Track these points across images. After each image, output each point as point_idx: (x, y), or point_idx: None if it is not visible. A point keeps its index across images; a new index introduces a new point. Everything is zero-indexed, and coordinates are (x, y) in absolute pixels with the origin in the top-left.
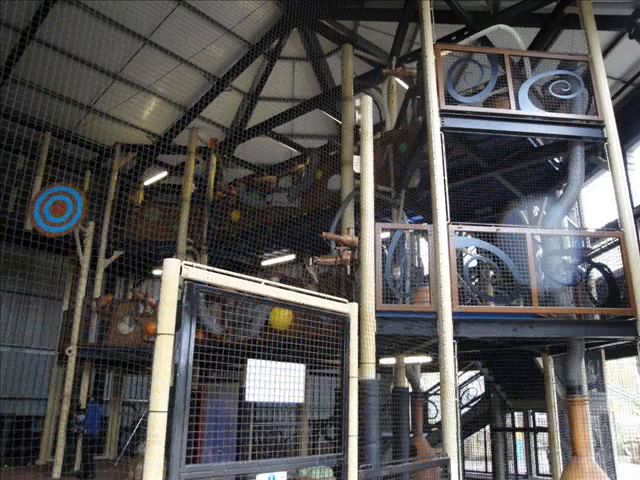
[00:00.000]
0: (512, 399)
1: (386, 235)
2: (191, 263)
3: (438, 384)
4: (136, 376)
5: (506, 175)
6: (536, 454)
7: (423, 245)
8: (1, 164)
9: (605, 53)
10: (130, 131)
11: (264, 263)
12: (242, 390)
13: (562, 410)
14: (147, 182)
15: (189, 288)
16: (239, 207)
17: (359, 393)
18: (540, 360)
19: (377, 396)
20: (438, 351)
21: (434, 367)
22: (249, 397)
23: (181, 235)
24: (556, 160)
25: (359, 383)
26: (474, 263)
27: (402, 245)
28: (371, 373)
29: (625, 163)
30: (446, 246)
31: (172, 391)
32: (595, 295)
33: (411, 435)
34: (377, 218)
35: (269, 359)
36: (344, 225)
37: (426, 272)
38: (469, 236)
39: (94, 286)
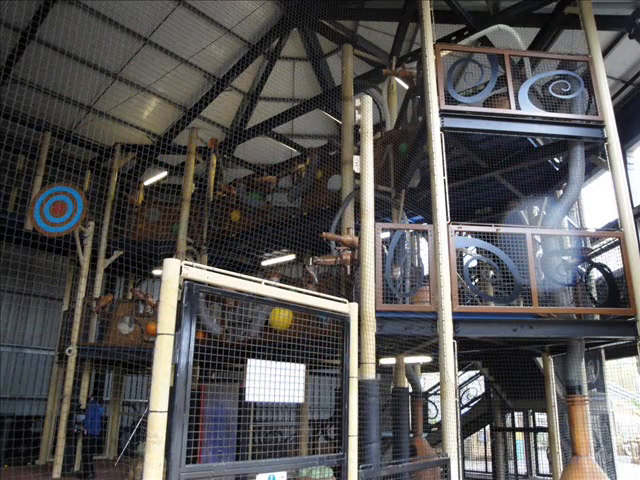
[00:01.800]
0: (512, 399)
1: (386, 235)
2: (191, 263)
3: (438, 384)
4: (136, 376)
5: (506, 175)
6: (536, 454)
7: (423, 245)
8: (1, 164)
9: (605, 53)
10: (130, 131)
11: (264, 263)
12: (242, 390)
13: (562, 410)
14: (147, 182)
15: (189, 288)
16: (239, 207)
17: (359, 393)
18: (540, 360)
19: (377, 396)
20: (438, 351)
21: (434, 367)
22: (249, 397)
23: (181, 235)
24: (556, 160)
25: (359, 383)
26: (474, 263)
27: (402, 245)
28: (371, 373)
29: (625, 163)
30: (446, 246)
31: (172, 391)
32: (595, 295)
33: (411, 435)
34: (377, 218)
35: (269, 359)
36: (344, 225)
37: (426, 272)
38: (469, 236)
39: (94, 286)
